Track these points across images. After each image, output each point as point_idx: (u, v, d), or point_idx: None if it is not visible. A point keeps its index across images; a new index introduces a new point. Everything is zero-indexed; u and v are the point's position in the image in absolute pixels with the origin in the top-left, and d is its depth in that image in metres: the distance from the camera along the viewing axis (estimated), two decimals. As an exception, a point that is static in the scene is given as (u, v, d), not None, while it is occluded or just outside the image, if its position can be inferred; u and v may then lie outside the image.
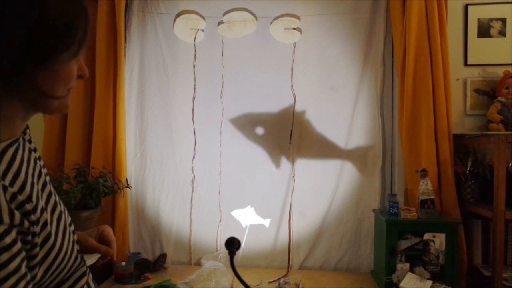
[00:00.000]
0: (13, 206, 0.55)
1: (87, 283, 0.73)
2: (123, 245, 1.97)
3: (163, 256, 1.98)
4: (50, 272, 0.63)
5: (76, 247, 0.71)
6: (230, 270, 1.00)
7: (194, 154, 2.07)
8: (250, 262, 2.02)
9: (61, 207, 0.69)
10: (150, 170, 2.09)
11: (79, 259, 0.71)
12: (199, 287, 1.67)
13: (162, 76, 2.08)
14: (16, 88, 0.57)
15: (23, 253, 0.55)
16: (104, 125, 1.96)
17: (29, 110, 0.62)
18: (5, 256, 0.52)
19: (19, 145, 0.63)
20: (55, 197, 0.68)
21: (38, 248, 0.59)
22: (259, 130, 2.02)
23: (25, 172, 0.61)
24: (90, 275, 0.76)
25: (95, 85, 1.96)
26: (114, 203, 1.97)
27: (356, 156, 2.01)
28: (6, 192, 0.54)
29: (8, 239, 0.52)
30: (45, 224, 0.61)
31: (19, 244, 0.54)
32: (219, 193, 2.06)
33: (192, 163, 2.07)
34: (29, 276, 0.56)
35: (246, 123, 2.07)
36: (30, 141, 0.69)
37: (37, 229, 0.59)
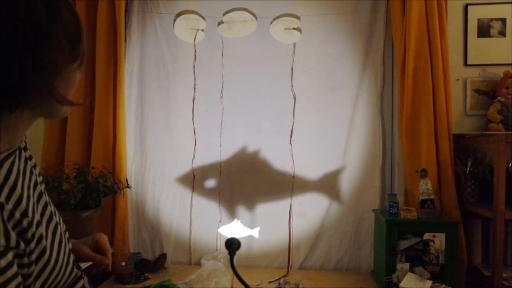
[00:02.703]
0: (10, 225, 0.53)
1: (83, 287, 0.72)
2: (123, 245, 1.97)
3: (163, 256, 1.98)
4: (46, 286, 0.62)
5: (72, 257, 0.70)
6: (230, 270, 1.00)
7: (194, 154, 2.07)
8: (250, 262, 2.02)
9: (56, 217, 0.68)
10: (150, 170, 2.09)
11: (75, 270, 0.71)
12: (199, 287, 1.67)
13: (162, 76, 2.08)
14: (40, 95, 0.57)
15: (19, 278, 0.53)
16: (104, 125, 1.96)
17: (34, 118, 0.62)
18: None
19: (15, 156, 0.61)
20: (50, 208, 0.67)
21: (33, 266, 0.57)
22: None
23: (21, 185, 0.60)
24: (86, 278, 0.75)
25: (95, 85, 1.96)
26: (114, 203, 1.97)
27: (356, 156, 2.02)
28: (4, 211, 0.53)
29: (3, 262, 0.50)
30: (40, 238, 0.60)
31: (14, 268, 0.52)
32: (219, 193, 2.06)
33: (192, 163, 2.07)
34: None
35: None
36: (25, 149, 0.68)
37: (32, 245, 0.57)
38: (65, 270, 0.66)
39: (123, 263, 1.86)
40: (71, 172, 1.83)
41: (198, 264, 2.00)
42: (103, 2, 1.94)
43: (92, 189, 1.78)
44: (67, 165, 1.91)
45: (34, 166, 0.69)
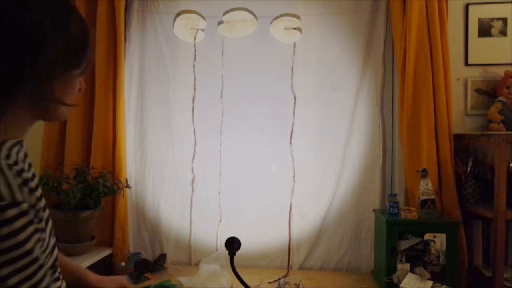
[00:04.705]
0: (25, 190, 0.60)
1: None
2: (123, 245, 1.97)
3: (163, 256, 1.98)
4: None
5: (55, 252, 0.72)
6: (230, 270, 0.99)
7: (194, 154, 2.07)
8: (250, 262, 2.01)
9: (47, 211, 0.72)
10: (150, 170, 2.09)
11: (56, 266, 0.72)
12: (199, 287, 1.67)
13: (162, 76, 2.08)
14: (36, 93, 0.65)
15: (29, 229, 0.59)
16: (104, 125, 1.96)
17: (36, 117, 0.70)
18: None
19: (21, 146, 0.70)
20: (44, 201, 0.71)
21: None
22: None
23: (28, 169, 0.68)
24: (64, 283, 0.76)
25: (95, 85, 1.96)
26: (114, 203, 1.97)
27: (356, 156, 2.01)
28: (20, 177, 0.60)
29: (10, 213, 0.56)
30: (41, 218, 0.64)
31: (22, 220, 0.58)
32: (219, 193, 2.06)
33: (192, 163, 2.06)
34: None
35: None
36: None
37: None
38: (50, 258, 0.68)
39: (123, 263, 1.86)
40: (71, 172, 1.83)
41: (198, 264, 2.00)
42: (103, 2, 1.94)
43: (92, 189, 1.78)
44: (67, 165, 1.91)
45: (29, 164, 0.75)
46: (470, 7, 1.94)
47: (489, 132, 1.79)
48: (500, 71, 1.89)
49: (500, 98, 1.85)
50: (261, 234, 2.03)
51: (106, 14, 1.94)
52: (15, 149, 0.66)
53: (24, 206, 0.58)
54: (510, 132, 1.72)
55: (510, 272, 1.66)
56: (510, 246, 1.73)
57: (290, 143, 2.02)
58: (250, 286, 0.96)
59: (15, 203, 0.57)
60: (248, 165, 2.06)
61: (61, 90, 0.68)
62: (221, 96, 2.05)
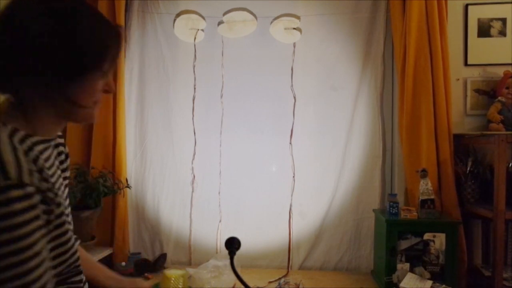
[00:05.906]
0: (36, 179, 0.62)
1: (81, 281, 0.77)
2: (123, 245, 1.97)
3: (163, 256, 1.98)
4: (55, 253, 0.67)
5: (77, 253, 0.76)
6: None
7: (194, 154, 2.07)
8: (250, 262, 2.02)
9: (70, 216, 0.76)
10: (150, 170, 2.09)
11: (78, 261, 0.76)
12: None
13: (162, 76, 2.08)
14: (50, 96, 0.68)
15: (32, 213, 0.59)
16: (104, 125, 1.96)
17: (60, 117, 0.72)
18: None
19: (49, 146, 0.73)
20: (67, 201, 0.75)
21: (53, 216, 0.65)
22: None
23: (49, 167, 0.70)
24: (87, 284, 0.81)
25: (95, 85, 1.96)
26: (114, 203, 1.97)
27: (356, 156, 2.02)
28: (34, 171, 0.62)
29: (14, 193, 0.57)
30: (60, 214, 0.67)
31: (25, 203, 0.58)
32: (219, 193, 2.06)
33: (192, 163, 2.07)
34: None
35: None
36: (63, 145, 0.82)
37: (54, 208, 0.65)
38: (73, 254, 0.72)
39: (123, 263, 1.86)
40: (71, 172, 1.83)
41: (199, 264, 2.00)
42: (103, 2, 1.94)
43: (92, 189, 1.78)
44: (67, 165, 1.91)
45: (67, 169, 0.81)
46: (470, 7, 1.94)
47: (488, 132, 1.79)
48: (500, 71, 1.89)
49: (499, 98, 1.85)
50: (261, 234, 2.04)
51: (106, 14, 1.93)
52: (42, 145, 0.69)
53: (30, 189, 0.58)
54: (509, 132, 1.72)
55: (510, 271, 1.66)
56: (509, 246, 1.73)
57: (290, 143, 2.02)
58: (250, 286, 0.96)
59: (20, 185, 0.56)
60: (248, 165, 2.06)
61: (77, 92, 0.69)
62: (221, 96, 2.06)
